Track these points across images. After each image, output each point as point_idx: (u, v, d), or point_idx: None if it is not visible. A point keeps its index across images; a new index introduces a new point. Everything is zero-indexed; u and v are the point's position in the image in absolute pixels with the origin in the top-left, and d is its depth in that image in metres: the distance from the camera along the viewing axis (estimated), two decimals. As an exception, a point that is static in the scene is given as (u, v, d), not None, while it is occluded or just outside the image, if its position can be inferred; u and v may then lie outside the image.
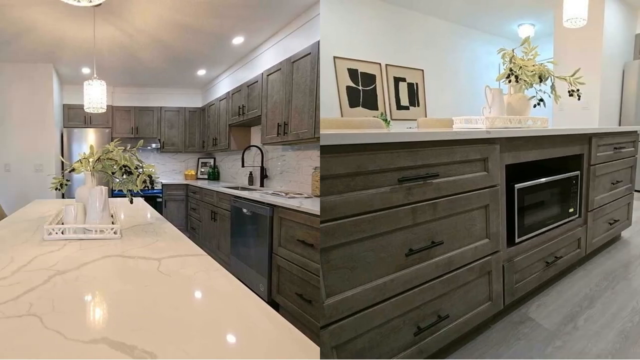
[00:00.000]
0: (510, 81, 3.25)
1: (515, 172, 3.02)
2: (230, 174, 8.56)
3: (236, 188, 6.24)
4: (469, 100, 9.42)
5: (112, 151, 2.86)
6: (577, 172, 3.56)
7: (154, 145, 9.13)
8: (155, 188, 3.10)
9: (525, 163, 2.96)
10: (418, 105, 8.94)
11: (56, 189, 3.17)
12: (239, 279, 1.68)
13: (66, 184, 3.18)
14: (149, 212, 3.89)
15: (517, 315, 2.97)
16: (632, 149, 4.44)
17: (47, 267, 1.84)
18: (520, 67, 3.22)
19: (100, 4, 3.87)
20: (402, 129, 7.43)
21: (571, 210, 3.52)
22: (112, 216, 2.92)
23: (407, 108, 8.74)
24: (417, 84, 8.86)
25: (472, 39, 9.66)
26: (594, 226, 3.84)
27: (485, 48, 9.82)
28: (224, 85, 7.82)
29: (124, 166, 2.77)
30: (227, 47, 6.23)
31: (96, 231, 2.54)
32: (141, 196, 4.59)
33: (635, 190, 4.74)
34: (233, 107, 7.13)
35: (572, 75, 3.42)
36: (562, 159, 3.53)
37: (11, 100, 7.37)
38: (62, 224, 2.70)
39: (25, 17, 4.99)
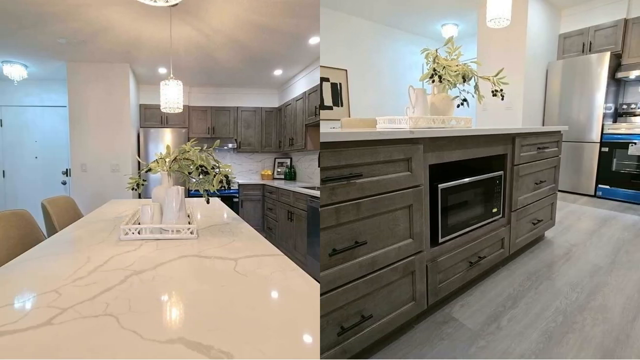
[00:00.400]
0: (433, 81, 3.33)
1: (439, 172, 3.14)
2: (307, 174, 8.68)
3: (313, 188, 6.34)
4: (392, 100, 9.61)
5: (188, 151, 2.93)
6: (501, 172, 3.70)
7: (230, 145, 9.22)
8: (232, 188, 3.15)
9: (449, 163, 3.06)
10: (341, 105, 9.05)
11: (132, 189, 3.23)
12: (315, 279, 1.74)
13: (142, 184, 3.26)
14: (226, 212, 3.90)
15: (441, 315, 3.08)
16: (556, 149, 4.61)
17: (123, 267, 1.90)
18: (444, 67, 3.30)
19: (176, 4, 3.96)
20: (326, 129, 7.50)
21: (495, 210, 3.68)
22: (188, 216, 2.99)
23: (330, 108, 8.84)
24: (340, 84, 8.97)
25: (396, 39, 9.84)
26: (518, 226, 4.01)
27: (409, 48, 10.03)
28: (301, 85, 7.96)
29: (201, 166, 2.84)
30: (304, 47, 6.34)
31: (173, 231, 2.63)
32: (218, 196, 4.56)
33: (559, 190, 4.92)
34: (309, 107, 7.26)
35: (496, 75, 3.50)
36: (485, 159, 3.67)
37: (88, 100, 7.37)
38: (139, 224, 2.78)
39: (102, 17, 5.02)
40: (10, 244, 2.76)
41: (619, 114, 7.82)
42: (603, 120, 7.37)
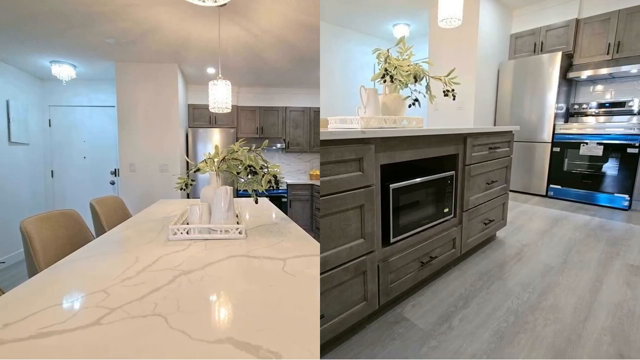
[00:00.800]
0: (385, 81, 3.38)
1: (390, 172, 3.20)
2: (354, 175, 8.75)
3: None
4: (344, 100, 9.71)
5: (237, 151, 2.98)
6: (452, 172, 3.77)
7: (278, 145, 9.23)
8: (280, 188, 3.19)
9: (401, 163, 3.11)
10: (294, 106, 9.20)
11: (181, 189, 3.28)
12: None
13: (191, 184, 3.32)
14: (274, 212, 3.89)
15: (392, 315, 3.14)
16: (507, 149, 4.70)
17: (172, 267, 1.94)
18: (395, 67, 3.36)
19: (225, 4, 4.07)
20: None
21: (446, 210, 3.76)
22: (237, 216, 3.06)
23: (284, 108, 8.99)
24: (292, 84, 9.09)
25: (347, 39, 9.92)
26: (469, 226, 4.11)
27: (361, 48, 10.12)
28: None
29: (249, 166, 2.89)
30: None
31: (221, 231, 2.69)
32: (266, 196, 4.54)
33: (511, 190, 5.01)
34: (357, 107, 7.27)
35: (447, 75, 3.56)
36: (437, 159, 3.75)
37: (136, 100, 7.39)
38: (187, 224, 2.86)
39: (151, 18, 5.04)
40: (58, 243, 2.81)
41: (570, 114, 8.05)
42: (555, 120, 7.58)
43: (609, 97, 7.60)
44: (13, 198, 7.41)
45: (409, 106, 3.59)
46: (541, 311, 3.18)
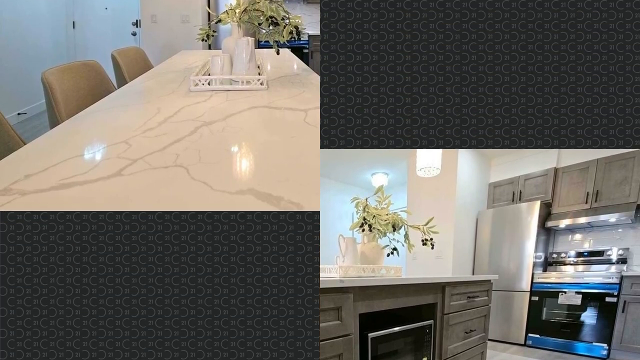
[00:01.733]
0: (363, 230, 3.50)
1: (369, 320, 3.24)
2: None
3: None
4: (322, 250, 9.77)
5: (258, 2, 2.99)
6: (431, 321, 3.80)
7: None
8: (302, 39, 3.20)
9: (380, 311, 3.15)
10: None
11: (202, 40, 3.32)
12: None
13: (212, 35, 3.34)
14: (296, 63, 3.89)
15: None
16: (486, 297, 4.73)
17: (193, 118, 1.98)
18: (374, 216, 3.49)
19: None
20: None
21: (425, 359, 3.74)
22: (258, 67, 3.09)
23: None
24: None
25: (325, 188, 10.10)
26: (448, 377, 4.06)
27: (339, 197, 10.25)
28: None
29: (271, 17, 2.92)
30: None
31: (243, 82, 2.72)
32: (287, 47, 4.49)
33: (489, 339, 5.01)
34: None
35: (426, 225, 3.69)
36: (416, 307, 3.80)
37: None
38: (209, 75, 2.89)
39: None
40: (80, 94, 2.83)
41: (549, 263, 8.12)
42: (533, 269, 7.62)
43: (587, 246, 7.71)
44: (34, 49, 7.38)
45: (388, 255, 3.67)
46: None
